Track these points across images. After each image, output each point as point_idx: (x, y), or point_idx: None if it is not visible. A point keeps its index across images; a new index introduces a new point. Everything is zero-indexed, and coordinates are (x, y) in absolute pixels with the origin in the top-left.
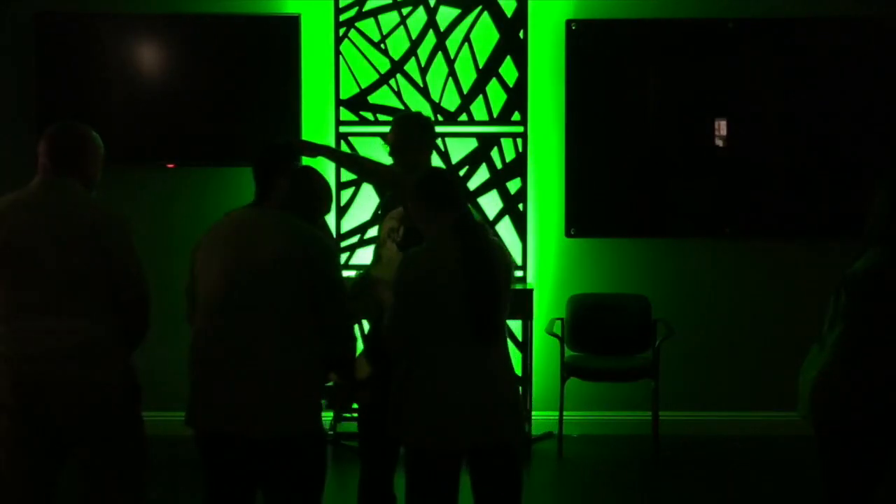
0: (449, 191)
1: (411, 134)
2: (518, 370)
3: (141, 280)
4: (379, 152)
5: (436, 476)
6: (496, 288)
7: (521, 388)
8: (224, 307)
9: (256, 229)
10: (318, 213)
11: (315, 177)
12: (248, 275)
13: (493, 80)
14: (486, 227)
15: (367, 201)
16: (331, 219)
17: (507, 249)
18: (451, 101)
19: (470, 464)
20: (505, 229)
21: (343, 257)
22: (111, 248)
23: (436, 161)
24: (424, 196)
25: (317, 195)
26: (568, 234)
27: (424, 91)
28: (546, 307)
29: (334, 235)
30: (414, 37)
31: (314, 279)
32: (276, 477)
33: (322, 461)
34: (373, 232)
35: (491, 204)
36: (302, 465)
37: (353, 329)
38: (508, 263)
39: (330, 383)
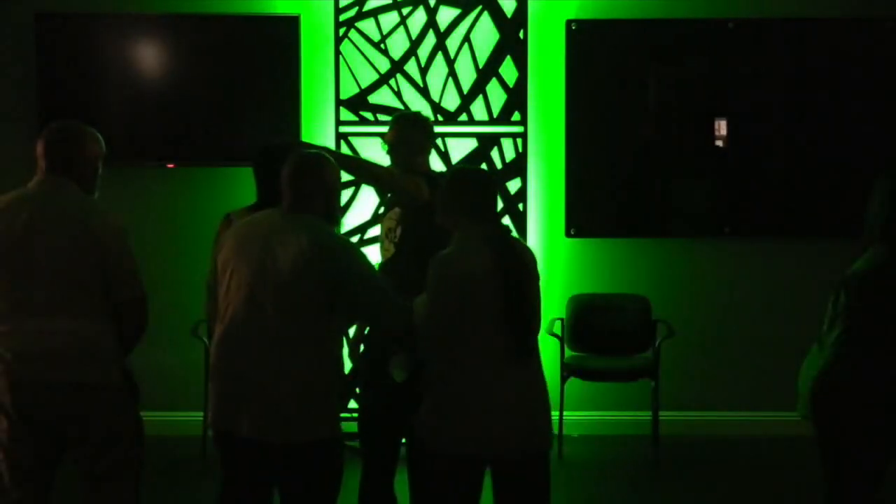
0: (484, 197)
1: (409, 133)
2: None
3: (136, 282)
4: (379, 152)
5: (455, 483)
6: (531, 307)
7: None
8: (246, 314)
9: (277, 234)
10: (335, 210)
11: (321, 173)
12: (271, 282)
13: (493, 80)
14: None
15: (367, 201)
16: None
17: (531, 253)
18: (451, 101)
19: (494, 473)
20: None
21: None
22: (106, 250)
23: (436, 161)
24: (454, 197)
25: (329, 193)
26: (568, 234)
27: (424, 91)
28: (546, 307)
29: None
30: (414, 37)
31: (340, 276)
32: (292, 480)
33: (338, 466)
34: (373, 232)
35: None
36: (318, 469)
37: (400, 301)
38: (536, 273)
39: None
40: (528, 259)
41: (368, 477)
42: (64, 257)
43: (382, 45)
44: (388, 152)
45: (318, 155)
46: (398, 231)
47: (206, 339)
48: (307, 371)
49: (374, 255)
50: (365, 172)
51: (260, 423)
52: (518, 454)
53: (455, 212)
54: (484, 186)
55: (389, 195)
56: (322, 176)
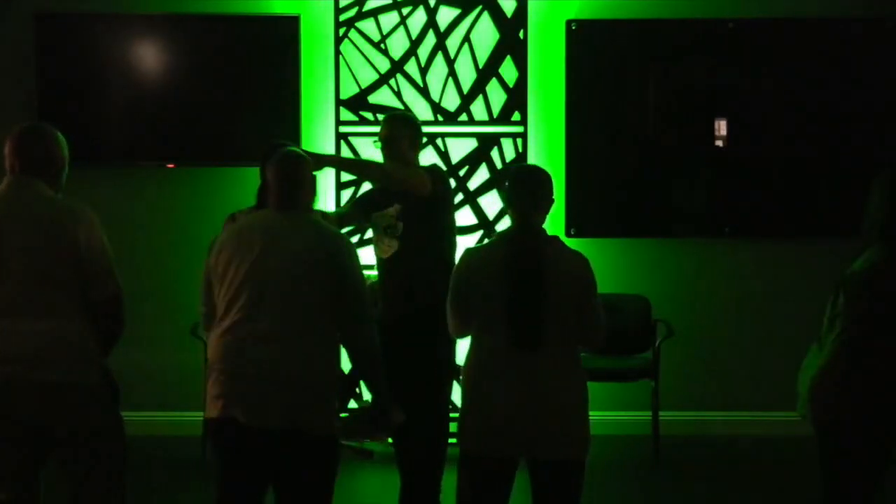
0: (514, 190)
1: (402, 130)
2: None
3: (111, 279)
4: (379, 153)
5: (481, 480)
6: (538, 298)
7: None
8: (251, 309)
9: (280, 231)
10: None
11: (293, 167)
12: (278, 278)
13: (493, 80)
14: (557, 238)
15: None
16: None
17: (582, 260)
18: (451, 101)
19: (528, 472)
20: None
21: None
22: (79, 246)
23: (436, 161)
24: (507, 190)
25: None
26: (568, 234)
27: (424, 91)
28: None
29: None
30: (414, 37)
31: (336, 275)
32: (289, 473)
33: (335, 465)
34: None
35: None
36: (315, 464)
37: (371, 323)
38: (580, 275)
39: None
40: (562, 263)
41: (407, 486)
42: (37, 257)
43: (382, 45)
44: (382, 149)
45: (297, 154)
46: (399, 227)
47: (205, 339)
48: (311, 364)
49: (368, 255)
50: (370, 171)
51: (262, 412)
52: (532, 458)
53: (505, 205)
54: (520, 183)
55: (373, 188)
56: (306, 173)
